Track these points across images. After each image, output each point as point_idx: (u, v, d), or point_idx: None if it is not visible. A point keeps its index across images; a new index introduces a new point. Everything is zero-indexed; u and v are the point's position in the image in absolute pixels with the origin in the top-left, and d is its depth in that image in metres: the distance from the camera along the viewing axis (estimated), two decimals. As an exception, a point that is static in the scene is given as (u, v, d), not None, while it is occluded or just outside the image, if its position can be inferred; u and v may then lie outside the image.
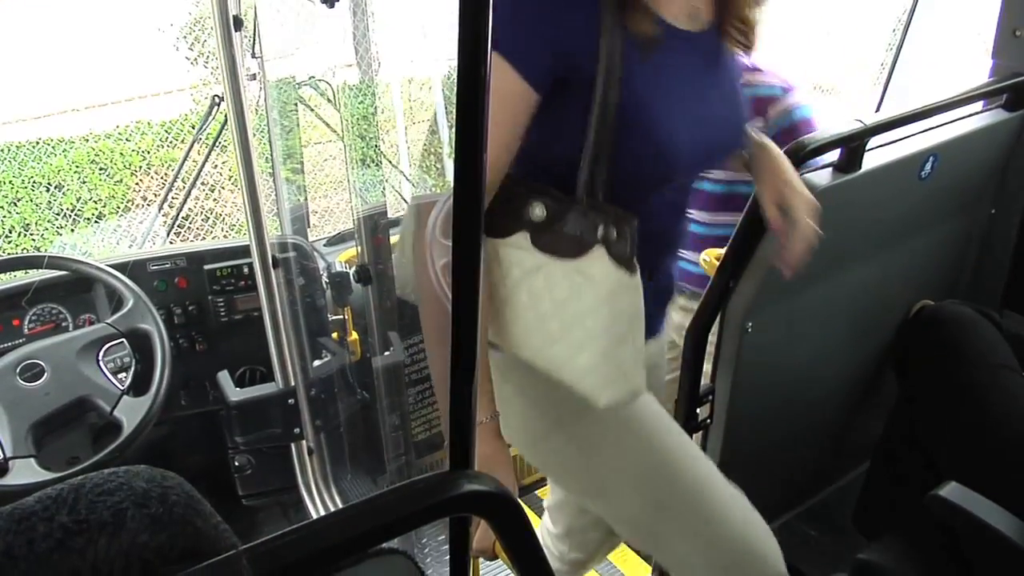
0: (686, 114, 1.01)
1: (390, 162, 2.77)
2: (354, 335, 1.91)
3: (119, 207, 5.21)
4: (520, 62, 0.92)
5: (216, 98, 2.05)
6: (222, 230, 5.17)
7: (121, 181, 5.25)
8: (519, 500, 0.69)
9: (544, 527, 1.54)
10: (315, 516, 1.89)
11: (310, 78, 1.97)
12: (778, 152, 1.17)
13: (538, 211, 0.98)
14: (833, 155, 1.34)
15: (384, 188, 1.87)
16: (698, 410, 1.45)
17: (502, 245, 1.00)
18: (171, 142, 5.32)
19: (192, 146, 2.30)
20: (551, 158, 1.02)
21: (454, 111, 0.53)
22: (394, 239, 1.83)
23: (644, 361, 1.08)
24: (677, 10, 1.00)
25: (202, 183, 4.86)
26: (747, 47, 1.09)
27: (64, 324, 1.79)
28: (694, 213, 1.70)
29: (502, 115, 0.93)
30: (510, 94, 0.93)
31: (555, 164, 1.01)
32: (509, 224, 0.99)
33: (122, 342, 1.61)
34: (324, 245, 2.13)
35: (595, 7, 0.92)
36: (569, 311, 0.97)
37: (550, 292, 0.98)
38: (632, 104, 0.95)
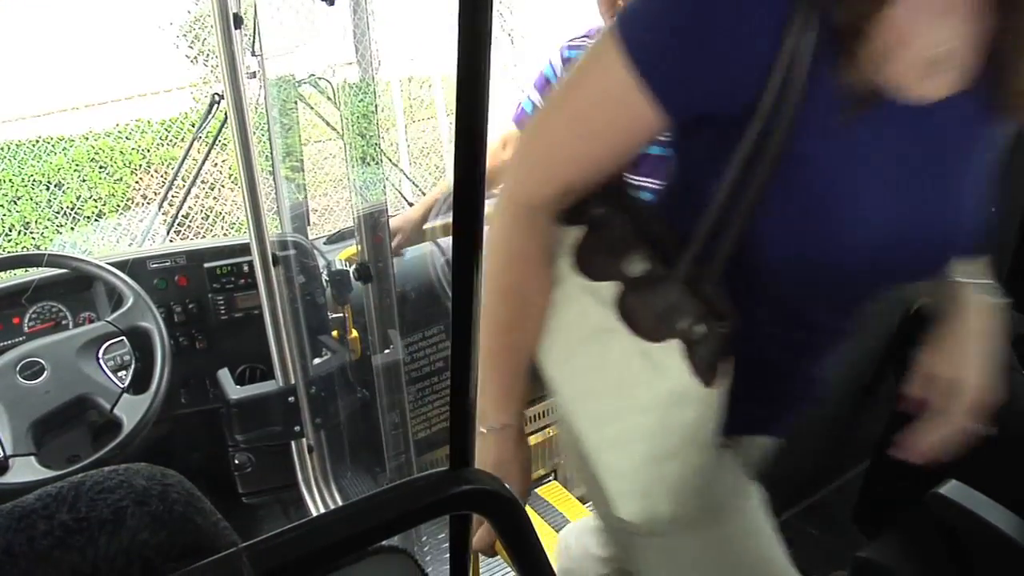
0: (886, 207, 0.73)
1: (390, 160, 2.77)
2: (354, 333, 1.91)
3: (119, 205, 5.22)
4: (658, 84, 0.72)
5: (216, 96, 2.05)
6: (222, 228, 5.18)
7: (121, 179, 5.25)
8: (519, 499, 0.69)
9: (583, 546, 1.47)
10: (315, 514, 1.89)
11: (310, 76, 1.97)
12: (980, 316, 0.92)
13: (639, 266, 0.79)
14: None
15: (384, 186, 1.87)
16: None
17: (587, 289, 0.84)
18: (171, 140, 5.32)
19: (192, 144, 2.30)
20: (676, 203, 0.84)
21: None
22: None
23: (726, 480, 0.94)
24: (915, 66, 0.69)
25: (202, 181, 4.87)
26: None
27: (64, 322, 1.78)
28: (647, 181, 1.53)
29: (613, 130, 0.77)
30: (631, 115, 0.75)
31: (677, 213, 0.82)
32: (607, 267, 0.82)
33: (122, 340, 1.61)
34: (324, 243, 2.13)
35: (776, 37, 0.67)
36: (627, 397, 0.81)
37: (617, 367, 0.81)
38: (802, 175, 0.72)
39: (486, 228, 0.75)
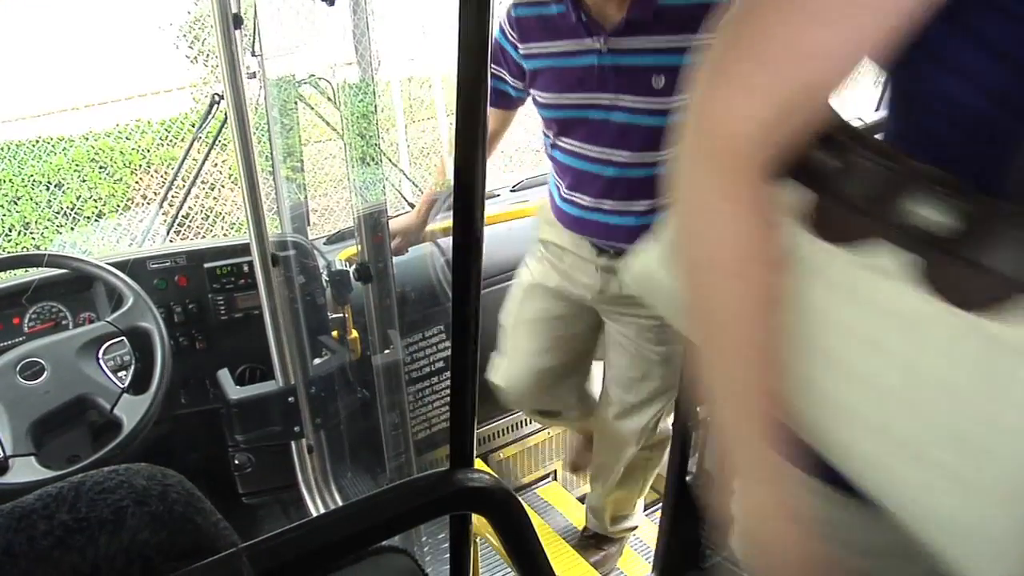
0: None
1: (390, 160, 2.77)
2: (354, 333, 1.91)
3: (119, 205, 5.22)
4: None
5: (216, 96, 2.05)
6: (222, 228, 5.18)
7: (121, 179, 5.26)
8: (519, 497, 0.69)
9: None
10: (315, 514, 1.89)
11: (310, 76, 1.97)
12: None
13: (941, 217, 0.50)
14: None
15: (384, 186, 1.87)
16: (698, 408, 1.45)
17: (847, 263, 0.55)
18: (171, 140, 5.33)
19: (192, 144, 2.30)
20: (957, 120, 0.54)
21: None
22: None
23: None
24: None
25: (202, 181, 4.87)
26: None
27: (64, 322, 1.79)
28: (624, 155, 1.51)
29: None
30: None
31: (962, 137, 0.54)
32: (869, 223, 0.53)
33: (122, 340, 1.61)
34: (324, 243, 2.13)
35: None
36: (953, 411, 0.51)
37: (925, 361, 0.51)
38: None
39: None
